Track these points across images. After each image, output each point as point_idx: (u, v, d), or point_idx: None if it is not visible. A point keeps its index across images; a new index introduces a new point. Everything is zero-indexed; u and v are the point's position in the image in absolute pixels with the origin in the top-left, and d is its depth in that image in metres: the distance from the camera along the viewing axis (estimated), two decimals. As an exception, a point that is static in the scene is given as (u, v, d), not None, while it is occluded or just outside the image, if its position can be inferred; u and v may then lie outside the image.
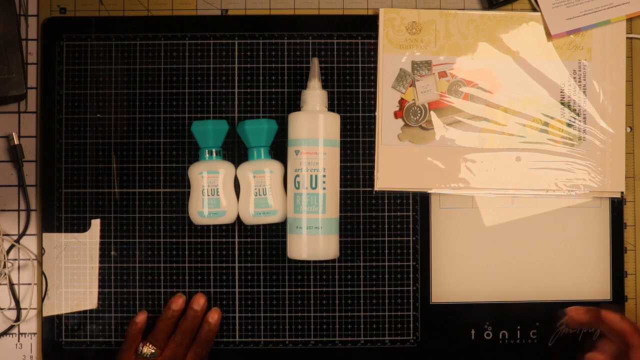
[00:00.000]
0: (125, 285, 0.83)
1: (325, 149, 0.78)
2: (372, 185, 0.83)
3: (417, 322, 0.83)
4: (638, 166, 0.85)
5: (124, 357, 0.78)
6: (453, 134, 0.83)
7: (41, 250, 0.83)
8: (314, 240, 0.78)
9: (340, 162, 0.82)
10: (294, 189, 0.79)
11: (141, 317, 0.80)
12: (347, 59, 0.84)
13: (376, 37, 0.83)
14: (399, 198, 0.83)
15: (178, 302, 0.80)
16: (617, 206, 0.84)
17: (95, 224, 0.83)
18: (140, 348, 0.78)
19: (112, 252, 0.83)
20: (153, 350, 0.77)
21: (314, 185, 0.78)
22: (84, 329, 0.83)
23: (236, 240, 0.83)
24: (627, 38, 0.84)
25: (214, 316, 0.80)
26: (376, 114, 0.83)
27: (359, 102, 0.83)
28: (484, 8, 0.85)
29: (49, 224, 0.83)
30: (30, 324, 0.83)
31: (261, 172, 0.80)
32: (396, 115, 0.83)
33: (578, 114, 0.83)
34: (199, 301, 0.81)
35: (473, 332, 0.83)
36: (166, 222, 0.83)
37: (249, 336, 0.83)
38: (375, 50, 0.83)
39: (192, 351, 0.79)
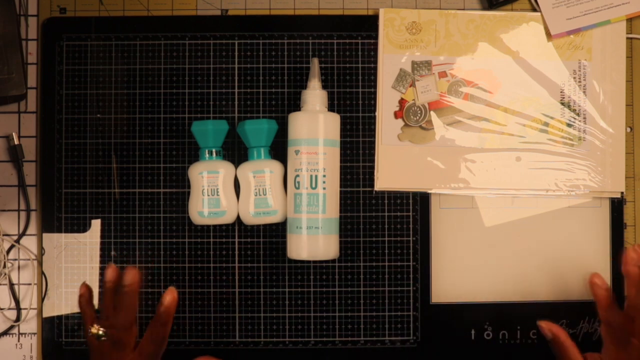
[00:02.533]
0: (125, 285, 0.83)
1: (325, 149, 0.78)
2: (372, 185, 0.83)
3: (417, 322, 0.83)
4: (638, 166, 0.85)
5: (88, 338, 0.73)
6: (453, 134, 0.83)
7: (41, 250, 0.83)
8: (314, 240, 0.78)
9: (340, 162, 0.82)
10: (294, 189, 0.79)
11: (83, 289, 0.75)
12: (347, 59, 0.84)
13: (376, 37, 0.84)
14: (399, 198, 0.83)
15: (108, 273, 0.74)
16: (617, 206, 0.84)
17: (95, 224, 0.83)
18: (90, 328, 0.73)
19: (112, 252, 0.83)
20: (100, 332, 0.72)
21: (314, 185, 0.78)
22: (84, 329, 0.83)
23: (236, 240, 0.83)
24: (627, 38, 0.84)
25: (167, 297, 0.74)
26: (376, 114, 0.83)
27: (359, 102, 0.83)
28: (484, 8, 0.85)
29: (49, 224, 0.83)
30: (30, 324, 0.83)
31: (261, 172, 0.80)
32: (396, 115, 0.83)
33: (578, 114, 0.83)
34: (128, 276, 0.73)
35: (473, 332, 0.83)
36: (166, 222, 0.83)
37: (249, 336, 0.83)
38: (375, 50, 0.83)
39: (148, 333, 0.73)
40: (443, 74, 0.83)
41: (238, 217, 0.82)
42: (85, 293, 0.75)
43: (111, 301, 0.74)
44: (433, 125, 0.83)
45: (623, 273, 0.75)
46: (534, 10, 0.84)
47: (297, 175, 0.78)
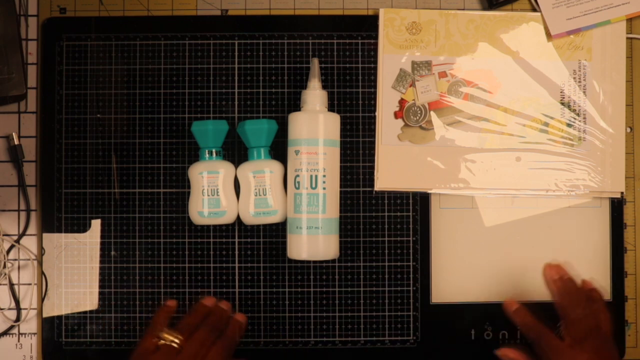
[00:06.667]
0: (125, 285, 0.83)
1: (325, 149, 0.78)
2: (372, 185, 0.83)
3: (417, 322, 0.83)
4: (638, 166, 0.85)
5: (145, 341, 0.73)
6: (453, 134, 0.83)
7: (41, 250, 0.83)
8: (314, 240, 0.78)
9: (340, 162, 0.82)
10: (294, 189, 0.79)
11: (173, 303, 0.80)
12: (347, 59, 0.84)
13: (376, 37, 0.84)
14: (399, 198, 0.83)
15: (211, 301, 0.78)
16: (617, 206, 0.84)
17: (95, 224, 0.83)
18: (163, 332, 0.73)
19: (112, 252, 0.83)
20: (175, 338, 0.73)
21: (314, 185, 0.78)
22: (84, 329, 0.83)
23: (236, 240, 0.83)
24: (627, 38, 0.84)
25: (243, 317, 0.79)
26: (376, 114, 0.83)
27: (359, 102, 0.83)
28: (484, 8, 0.85)
29: (49, 224, 0.83)
30: (30, 324, 0.83)
31: (261, 172, 0.80)
32: (396, 115, 0.83)
33: (578, 114, 0.83)
34: (227, 303, 0.80)
35: (473, 332, 0.83)
36: (166, 222, 0.83)
37: (249, 336, 0.83)
38: (375, 50, 0.83)
39: (219, 344, 0.74)
40: (443, 74, 0.83)
41: (238, 217, 0.82)
42: (174, 308, 0.79)
43: (198, 321, 0.75)
44: (433, 125, 0.83)
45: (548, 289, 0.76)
46: (534, 10, 0.84)
47: (297, 175, 0.78)
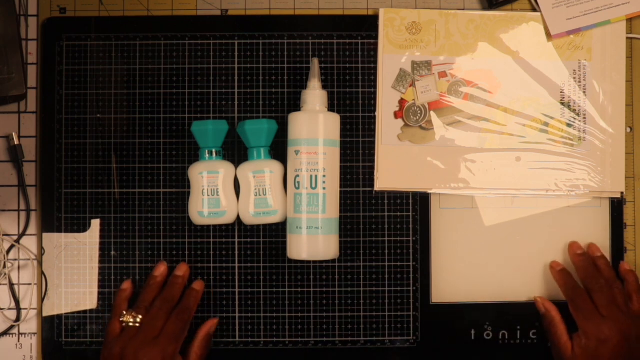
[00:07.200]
0: (125, 285, 0.83)
1: (325, 149, 0.78)
2: (372, 185, 0.83)
3: (417, 322, 0.83)
4: (638, 166, 0.85)
5: (110, 326, 0.77)
6: (453, 134, 0.83)
7: (41, 250, 0.83)
8: (314, 240, 0.78)
9: (340, 162, 0.82)
10: (294, 189, 0.79)
11: (127, 285, 0.81)
12: (347, 59, 0.84)
13: (376, 37, 0.84)
14: (399, 198, 0.83)
15: (160, 269, 0.81)
16: (617, 206, 0.84)
17: (95, 224, 0.83)
18: (123, 316, 0.77)
19: (112, 252, 0.83)
20: (134, 318, 0.76)
21: (314, 185, 0.78)
22: (84, 329, 0.83)
23: (236, 240, 0.83)
24: (627, 38, 0.84)
25: (199, 284, 0.82)
26: (376, 114, 0.83)
27: (359, 102, 0.83)
28: (484, 8, 0.85)
29: (49, 224, 0.83)
30: (30, 324, 0.83)
31: (261, 172, 0.80)
32: (396, 115, 0.83)
33: (578, 114, 0.83)
34: (182, 268, 0.82)
35: (473, 332, 0.83)
36: (166, 222, 0.83)
37: (249, 336, 0.83)
38: (375, 50, 0.83)
39: (174, 315, 0.77)
40: (443, 74, 0.83)
41: (238, 217, 0.82)
42: (129, 289, 0.81)
43: (153, 294, 0.79)
44: (433, 125, 0.83)
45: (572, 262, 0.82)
46: (534, 10, 0.84)
47: (297, 176, 0.78)
